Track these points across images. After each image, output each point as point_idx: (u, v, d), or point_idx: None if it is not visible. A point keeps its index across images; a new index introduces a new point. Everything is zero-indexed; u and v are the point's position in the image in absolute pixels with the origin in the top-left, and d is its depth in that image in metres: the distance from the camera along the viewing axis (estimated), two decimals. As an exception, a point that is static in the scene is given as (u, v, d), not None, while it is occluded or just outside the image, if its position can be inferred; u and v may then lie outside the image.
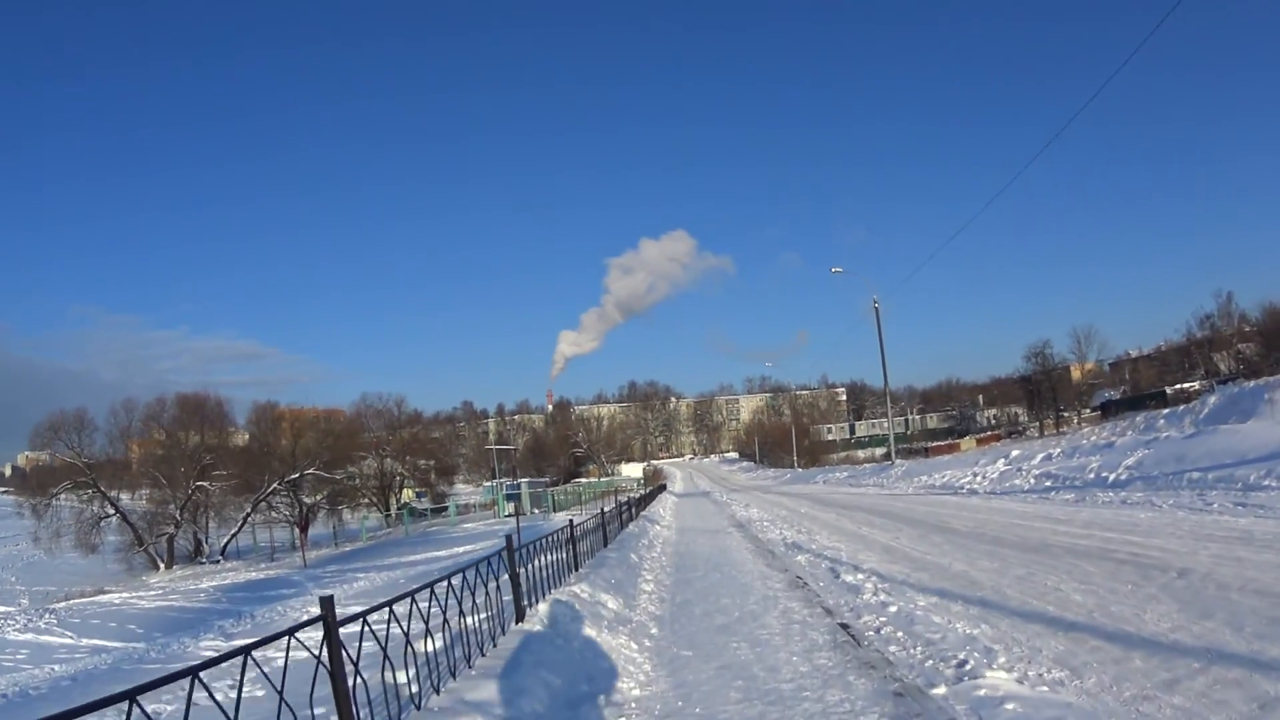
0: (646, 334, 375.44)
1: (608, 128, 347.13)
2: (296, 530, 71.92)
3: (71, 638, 31.60)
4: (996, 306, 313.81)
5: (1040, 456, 36.48)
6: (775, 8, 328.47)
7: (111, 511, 64.65)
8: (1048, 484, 30.85)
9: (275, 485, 71.60)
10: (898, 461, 62.49)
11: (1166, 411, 39.66)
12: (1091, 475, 29.19)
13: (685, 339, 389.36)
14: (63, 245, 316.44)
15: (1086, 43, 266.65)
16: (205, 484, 66.91)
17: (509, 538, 9.80)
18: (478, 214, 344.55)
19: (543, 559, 12.27)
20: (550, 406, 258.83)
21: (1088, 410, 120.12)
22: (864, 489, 50.84)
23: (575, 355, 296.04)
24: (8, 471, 67.93)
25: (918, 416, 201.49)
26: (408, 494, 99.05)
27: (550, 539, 13.16)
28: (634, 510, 32.51)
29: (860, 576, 14.08)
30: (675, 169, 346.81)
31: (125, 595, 44.41)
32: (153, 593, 45.05)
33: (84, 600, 43.50)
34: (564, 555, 14.44)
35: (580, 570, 15.07)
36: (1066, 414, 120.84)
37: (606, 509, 22.49)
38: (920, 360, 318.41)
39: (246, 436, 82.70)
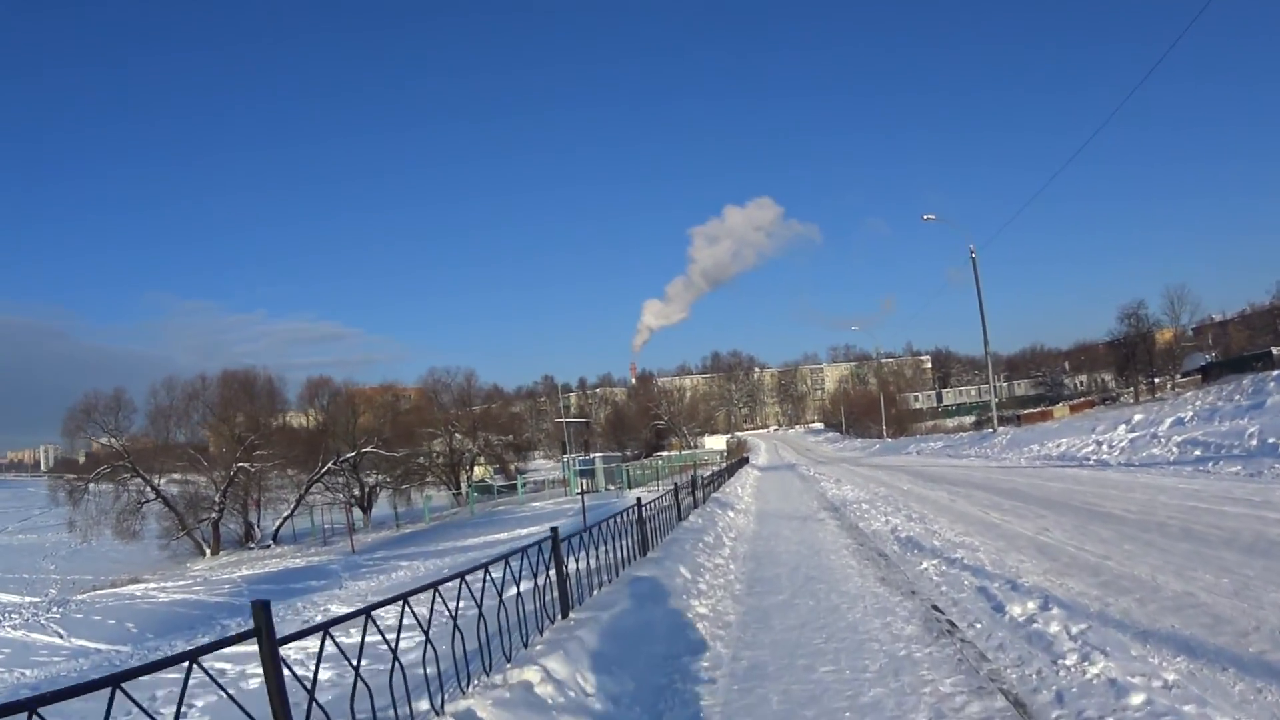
0: (729, 304, 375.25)
1: (691, 96, 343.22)
2: (357, 511, 70.80)
3: (60, 637, 29.54)
4: (1077, 272, 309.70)
5: (1170, 421, 32.29)
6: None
7: (152, 495, 61.88)
8: (1197, 453, 26.22)
9: (330, 465, 68.82)
10: (1000, 429, 57.57)
11: (1276, 373, 35.13)
12: (1254, 442, 24.48)
13: (768, 308, 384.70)
14: (133, 233, 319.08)
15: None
16: (247, 465, 63.73)
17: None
18: (559, 188, 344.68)
19: (497, 602, 7.10)
20: (633, 379, 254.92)
21: (1180, 376, 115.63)
22: (967, 461, 45.80)
23: (661, 326, 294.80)
24: (81, 459, 67.21)
25: (1004, 383, 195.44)
26: (480, 471, 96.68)
27: (514, 565, 7.87)
28: (700, 493, 26.88)
29: (1032, 607, 9.22)
30: (759, 136, 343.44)
31: (151, 586, 42.60)
32: (182, 582, 43.00)
33: (108, 591, 41.73)
34: (544, 585, 8.82)
35: (571, 618, 9.32)
36: (1159, 379, 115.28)
37: (646, 500, 17.11)
38: (1004, 327, 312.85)
39: (313, 416, 79.92)
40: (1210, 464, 23.72)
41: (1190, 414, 32.02)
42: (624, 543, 13.08)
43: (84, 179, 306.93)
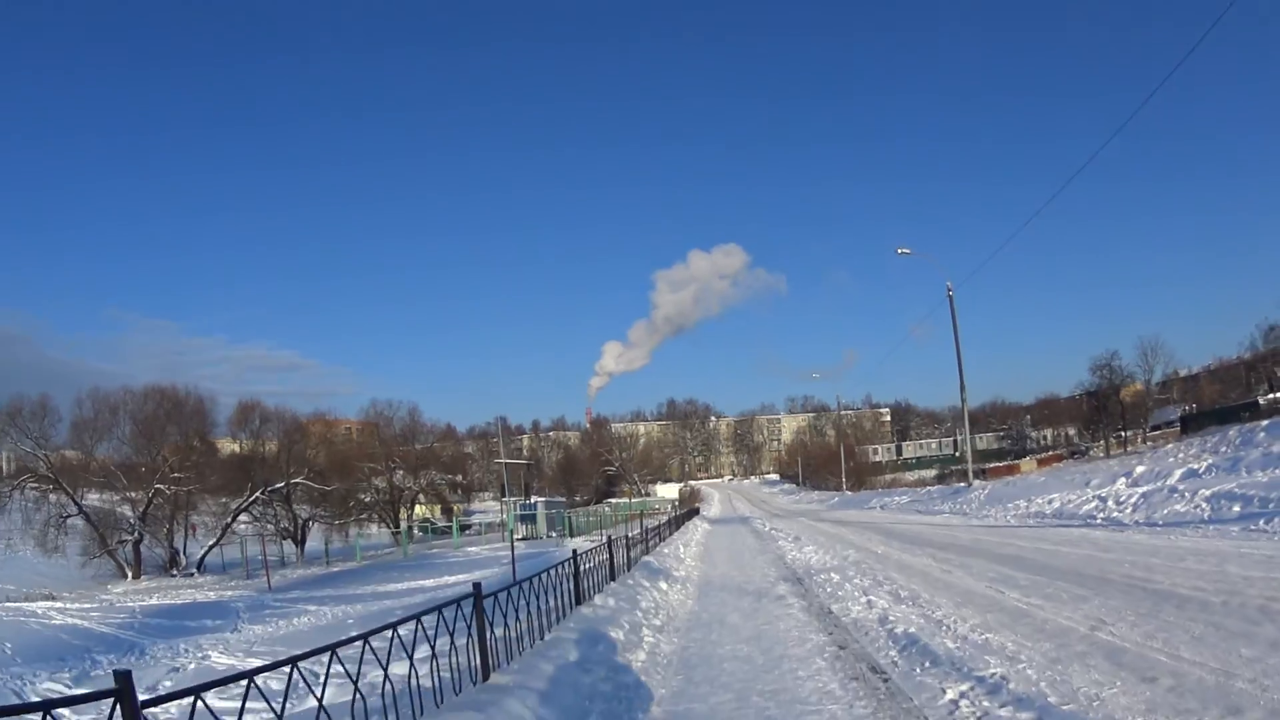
0: (687, 351, 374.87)
1: (654, 143, 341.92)
2: (290, 545, 69.99)
3: (-84, 663, 27.28)
4: (1038, 328, 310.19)
5: (1180, 473, 29.75)
6: (812, 28, 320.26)
7: (74, 510, 58.74)
8: (1236, 509, 22.57)
9: (257, 495, 66.43)
10: (976, 483, 53.25)
11: (1266, 423, 35.03)
12: (1319, 498, 20.96)
13: (727, 356, 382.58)
14: (98, 246, 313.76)
15: (1136, 52, 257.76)
16: (163, 487, 60.67)
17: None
18: (522, 229, 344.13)
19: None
20: (588, 424, 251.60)
21: (1150, 429, 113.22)
22: (942, 518, 41.17)
23: (623, 371, 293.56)
24: (42, 468, 64.42)
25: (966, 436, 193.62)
26: (422, 510, 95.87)
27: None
28: (628, 554, 21.22)
29: None
30: (726, 186, 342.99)
31: (55, 605, 39.96)
32: (86, 605, 40.17)
33: (13, 606, 38.99)
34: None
35: None
36: (1128, 433, 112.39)
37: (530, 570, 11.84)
38: (966, 380, 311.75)
39: (243, 442, 77.23)
40: (1261, 521, 20.23)
41: (1205, 464, 30.10)
42: (446, 654, 7.58)
43: (46, 183, 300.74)
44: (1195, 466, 29.66)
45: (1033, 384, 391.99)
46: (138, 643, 29.62)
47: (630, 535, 23.50)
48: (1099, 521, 27.01)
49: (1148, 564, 15.82)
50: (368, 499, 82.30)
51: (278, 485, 67.76)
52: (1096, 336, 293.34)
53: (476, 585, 8.64)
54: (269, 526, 68.51)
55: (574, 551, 14.81)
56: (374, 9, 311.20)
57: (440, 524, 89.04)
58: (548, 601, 11.92)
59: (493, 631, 8.88)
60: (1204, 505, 24.01)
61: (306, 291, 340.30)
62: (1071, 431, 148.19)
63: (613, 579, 17.97)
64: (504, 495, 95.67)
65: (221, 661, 24.27)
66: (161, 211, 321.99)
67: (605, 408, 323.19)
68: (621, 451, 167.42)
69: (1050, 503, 33.88)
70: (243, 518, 66.34)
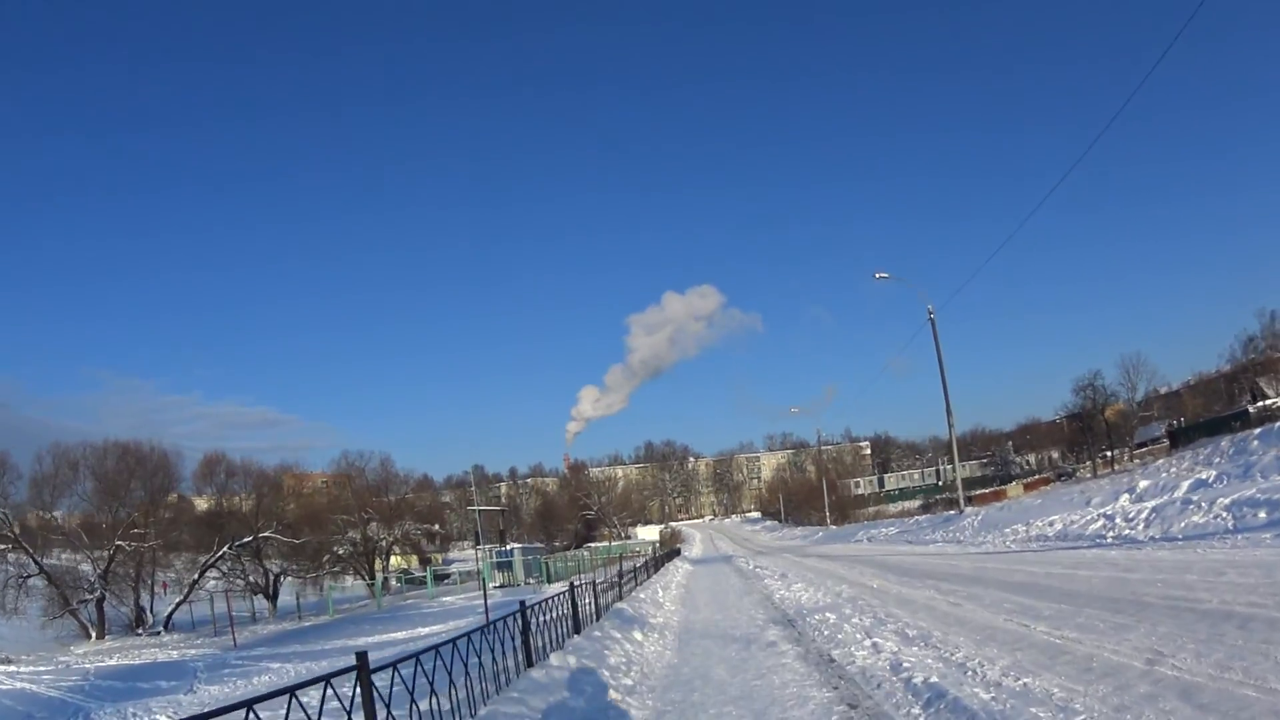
0: (664, 393, 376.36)
1: (624, 188, 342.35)
2: (262, 600, 69.52)
3: None
4: (1016, 355, 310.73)
5: (1188, 484, 28.63)
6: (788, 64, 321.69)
7: (34, 570, 57.59)
8: (1262, 516, 21.44)
9: (225, 550, 65.64)
10: (968, 509, 51.83)
11: (1259, 431, 34.35)
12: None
13: (704, 397, 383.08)
14: (72, 306, 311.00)
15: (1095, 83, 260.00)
16: (124, 544, 59.34)
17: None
18: (496, 278, 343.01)
19: None
20: (565, 469, 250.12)
21: (1135, 446, 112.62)
22: (936, 548, 39.40)
23: (601, 416, 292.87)
24: (16, 530, 63.30)
25: (948, 465, 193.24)
26: (400, 560, 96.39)
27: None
28: (596, 602, 19.03)
29: None
30: (699, 226, 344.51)
31: (6, 670, 39.35)
32: (41, 669, 40.16)
33: None
34: None
35: None
36: (1115, 451, 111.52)
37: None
38: (941, 410, 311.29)
39: (209, 497, 76.81)
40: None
41: (1214, 473, 28.73)
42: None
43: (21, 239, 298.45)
44: (1204, 476, 28.51)
45: (1013, 410, 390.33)
46: (84, 707, 28.84)
47: (600, 580, 21.63)
48: (1110, 540, 25.61)
49: (1184, 581, 14.23)
50: (341, 551, 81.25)
51: (246, 540, 66.62)
52: (1075, 360, 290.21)
53: (360, 655, 6.22)
54: (239, 582, 67.70)
55: (521, 603, 12.45)
56: (339, 70, 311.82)
57: (417, 574, 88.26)
58: (486, 666, 9.82)
59: (391, 716, 6.59)
60: (1225, 515, 22.59)
61: (282, 346, 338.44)
62: (1055, 454, 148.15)
63: (577, 632, 15.81)
64: (478, 543, 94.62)
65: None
66: (136, 270, 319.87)
67: (583, 452, 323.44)
68: (600, 495, 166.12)
69: (1051, 525, 32.32)
70: (212, 573, 65.80)
